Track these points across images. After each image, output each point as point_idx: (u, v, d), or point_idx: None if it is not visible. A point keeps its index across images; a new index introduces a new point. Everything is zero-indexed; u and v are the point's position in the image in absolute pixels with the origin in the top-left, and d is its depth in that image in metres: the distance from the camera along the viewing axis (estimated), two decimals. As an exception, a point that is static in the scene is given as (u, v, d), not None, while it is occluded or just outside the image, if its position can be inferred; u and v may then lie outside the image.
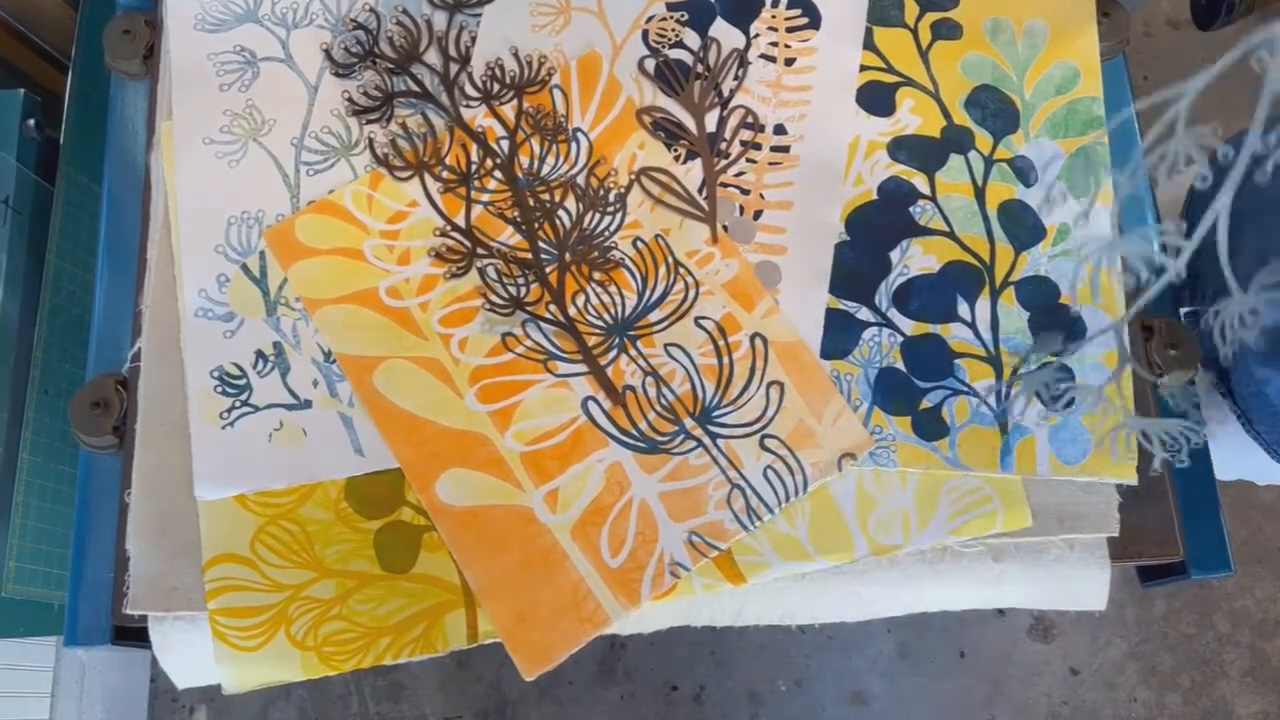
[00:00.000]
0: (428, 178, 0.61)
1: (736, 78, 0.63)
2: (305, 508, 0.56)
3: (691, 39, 0.64)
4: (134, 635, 0.57)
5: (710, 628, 0.57)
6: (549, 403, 0.57)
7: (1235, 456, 0.68)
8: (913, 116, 0.63)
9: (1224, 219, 0.30)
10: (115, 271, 0.62)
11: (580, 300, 0.59)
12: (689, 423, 0.57)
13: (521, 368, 0.58)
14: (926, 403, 0.57)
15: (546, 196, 0.61)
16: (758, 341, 0.58)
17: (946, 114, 0.63)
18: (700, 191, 0.61)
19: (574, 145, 0.62)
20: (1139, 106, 0.37)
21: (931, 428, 0.57)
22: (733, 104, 0.63)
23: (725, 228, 0.60)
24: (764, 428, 0.57)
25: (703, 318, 0.59)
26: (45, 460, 0.78)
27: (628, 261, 0.60)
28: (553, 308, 0.59)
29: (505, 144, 0.62)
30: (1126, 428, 0.36)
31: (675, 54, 0.64)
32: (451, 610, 0.54)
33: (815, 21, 0.65)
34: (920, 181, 0.62)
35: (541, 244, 0.60)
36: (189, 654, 0.56)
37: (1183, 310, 0.64)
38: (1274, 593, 1.28)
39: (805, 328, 0.58)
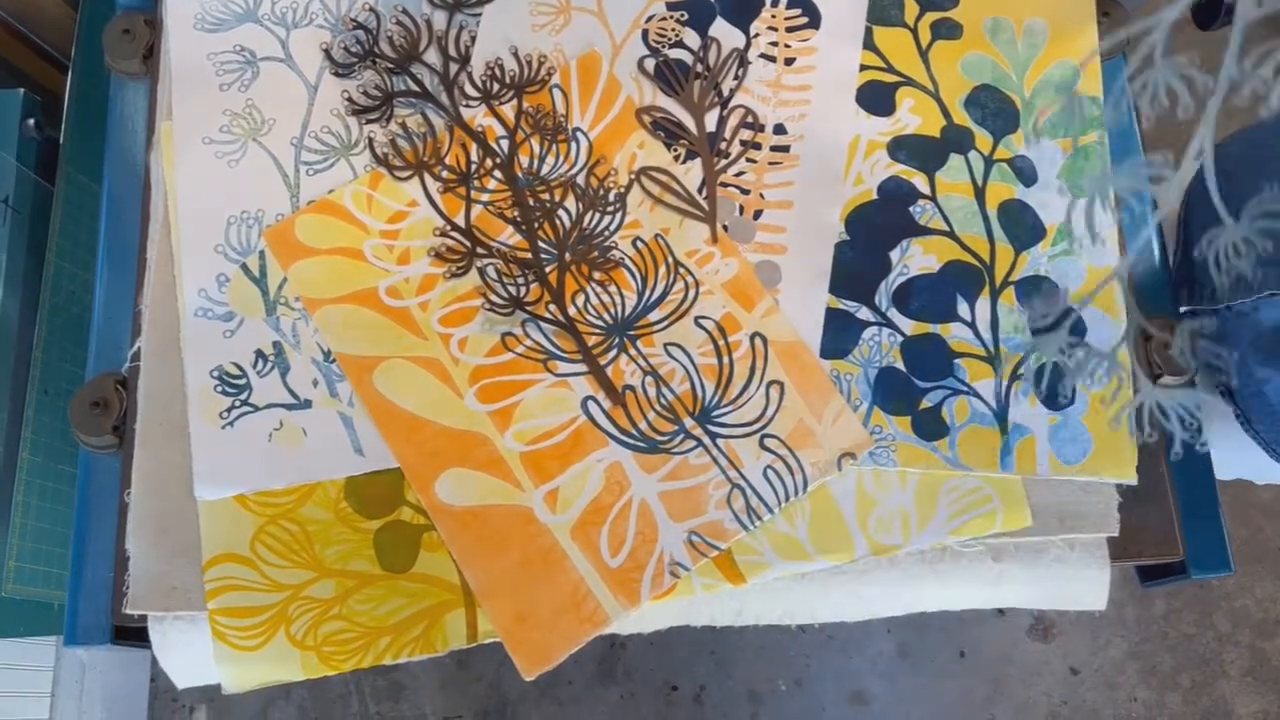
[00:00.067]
0: (427, 177, 0.61)
1: (736, 77, 0.63)
2: (305, 507, 0.56)
3: (691, 39, 0.64)
4: (134, 635, 0.57)
5: (710, 628, 0.57)
6: (549, 402, 0.57)
7: (1234, 456, 0.68)
8: (913, 116, 0.63)
9: (1209, 147, 0.30)
10: (115, 271, 0.62)
11: (580, 300, 0.59)
12: (689, 422, 0.57)
13: (521, 367, 0.58)
14: (926, 402, 0.57)
15: (546, 196, 0.61)
16: (758, 341, 0.58)
17: (946, 114, 0.63)
18: (700, 191, 0.61)
19: (574, 145, 0.62)
20: (1103, 46, 0.37)
21: (931, 427, 0.57)
22: (733, 104, 0.63)
23: (725, 227, 0.60)
24: (764, 427, 0.57)
25: (703, 317, 0.59)
26: (45, 460, 0.78)
27: (628, 261, 0.60)
28: (552, 307, 0.59)
29: (505, 144, 0.62)
30: (1145, 399, 0.36)
31: (675, 54, 0.64)
32: (451, 610, 0.54)
33: (815, 21, 0.65)
34: (920, 181, 0.62)
35: (541, 244, 0.60)
36: (189, 654, 0.56)
37: (1182, 310, 0.64)
38: (1274, 592, 1.28)
39: (805, 327, 0.58)
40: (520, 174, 0.61)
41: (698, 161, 0.62)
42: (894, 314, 0.59)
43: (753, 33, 0.65)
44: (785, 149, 0.62)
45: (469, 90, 0.62)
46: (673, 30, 0.65)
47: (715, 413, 0.57)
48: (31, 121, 0.77)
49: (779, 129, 0.63)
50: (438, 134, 0.62)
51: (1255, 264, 0.31)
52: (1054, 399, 0.57)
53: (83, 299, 0.80)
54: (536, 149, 0.62)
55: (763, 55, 0.64)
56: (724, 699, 1.24)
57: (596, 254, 0.60)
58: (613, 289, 0.59)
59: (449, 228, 0.60)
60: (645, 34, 0.64)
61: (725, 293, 0.59)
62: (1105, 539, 0.56)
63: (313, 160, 0.62)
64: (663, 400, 0.57)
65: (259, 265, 0.60)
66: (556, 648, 0.53)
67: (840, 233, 0.60)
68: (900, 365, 0.58)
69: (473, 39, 0.63)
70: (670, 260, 0.60)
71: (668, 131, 0.62)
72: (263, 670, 0.54)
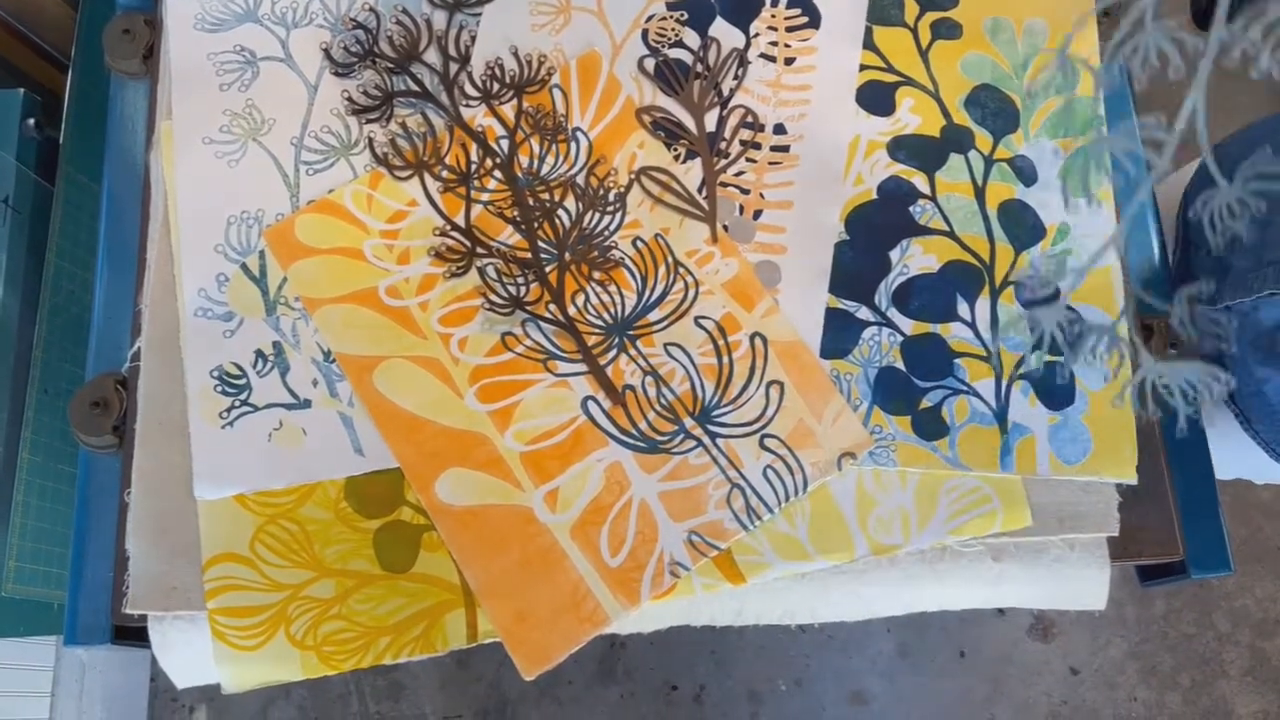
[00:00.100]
0: (427, 177, 0.61)
1: (736, 77, 0.63)
2: (305, 507, 0.56)
3: (691, 38, 0.64)
4: (134, 635, 0.57)
5: (710, 627, 0.57)
6: (549, 402, 0.57)
7: (1234, 456, 0.68)
8: (912, 116, 0.63)
9: (1202, 110, 0.30)
10: (115, 271, 0.62)
11: (580, 300, 0.59)
12: (689, 422, 0.57)
13: (521, 367, 0.58)
14: (926, 402, 0.57)
15: (546, 196, 0.61)
16: (757, 341, 0.58)
17: (946, 113, 0.63)
18: (700, 191, 0.61)
19: (574, 145, 0.62)
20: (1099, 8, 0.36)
21: (931, 427, 0.57)
22: (732, 103, 0.63)
23: (725, 227, 0.60)
24: (764, 427, 0.57)
25: (702, 317, 0.59)
26: (45, 460, 0.78)
27: (627, 261, 0.60)
28: (552, 307, 0.59)
29: (505, 143, 0.62)
30: (1148, 375, 0.35)
31: (675, 53, 0.64)
32: (451, 610, 0.54)
33: (815, 21, 0.65)
34: (920, 181, 0.62)
35: (541, 243, 0.60)
36: (189, 653, 0.56)
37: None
38: (1274, 592, 1.28)
39: (805, 327, 0.58)
40: (520, 174, 0.61)
41: (698, 161, 0.62)
42: (894, 314, 0.59)
43: (753, 32, 0.65)
44: (785, 149, 0.62)
45: (469, 90, 0.62)
46: (673, 30, 0.65)
47: (715, 413, 0.57)
48: (31, 121, 0.77)
49: (779, 129, 0.63)
50: (438, 134, 0.62)
51: (1255, 264, 0.31)
52: (1053, 395, 0.57)
53: (83, 299, 0.80)
54: (536, 149, 0.62)
55: (762, 55, 0.64)
56: (724, 699, 1.24)
57: (596, 254, 0.60)
58: (613, 289, 0.59)
59: (449, 227, 0.60)
60: (645, 34, 0.64)
61: (725, 292, 0.59)
62: (1105, 539, 0.56)
63: (313, 160, 0.62)
64: (663, 400, 0.57)
65: (259, 265, 0.60)
66: (556, 647, 0.53)
67: (840, 232, 0.60)
68: (900, 365, 0.58)
69: (473, 39, 0.63)
70: (670, 260, 0.60)
71: (668, 131, 0.62)
72: (262, 670, 0.54)
